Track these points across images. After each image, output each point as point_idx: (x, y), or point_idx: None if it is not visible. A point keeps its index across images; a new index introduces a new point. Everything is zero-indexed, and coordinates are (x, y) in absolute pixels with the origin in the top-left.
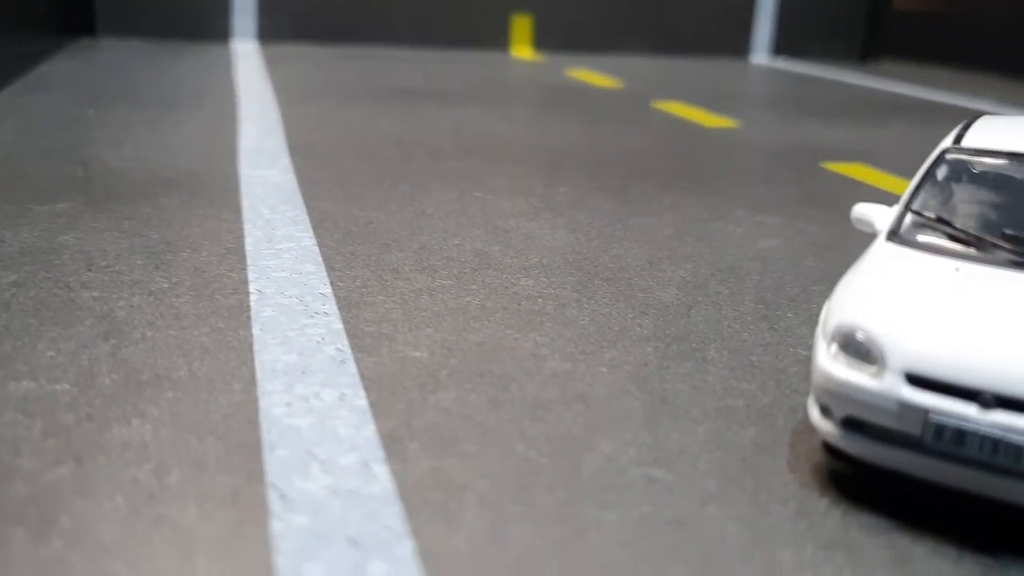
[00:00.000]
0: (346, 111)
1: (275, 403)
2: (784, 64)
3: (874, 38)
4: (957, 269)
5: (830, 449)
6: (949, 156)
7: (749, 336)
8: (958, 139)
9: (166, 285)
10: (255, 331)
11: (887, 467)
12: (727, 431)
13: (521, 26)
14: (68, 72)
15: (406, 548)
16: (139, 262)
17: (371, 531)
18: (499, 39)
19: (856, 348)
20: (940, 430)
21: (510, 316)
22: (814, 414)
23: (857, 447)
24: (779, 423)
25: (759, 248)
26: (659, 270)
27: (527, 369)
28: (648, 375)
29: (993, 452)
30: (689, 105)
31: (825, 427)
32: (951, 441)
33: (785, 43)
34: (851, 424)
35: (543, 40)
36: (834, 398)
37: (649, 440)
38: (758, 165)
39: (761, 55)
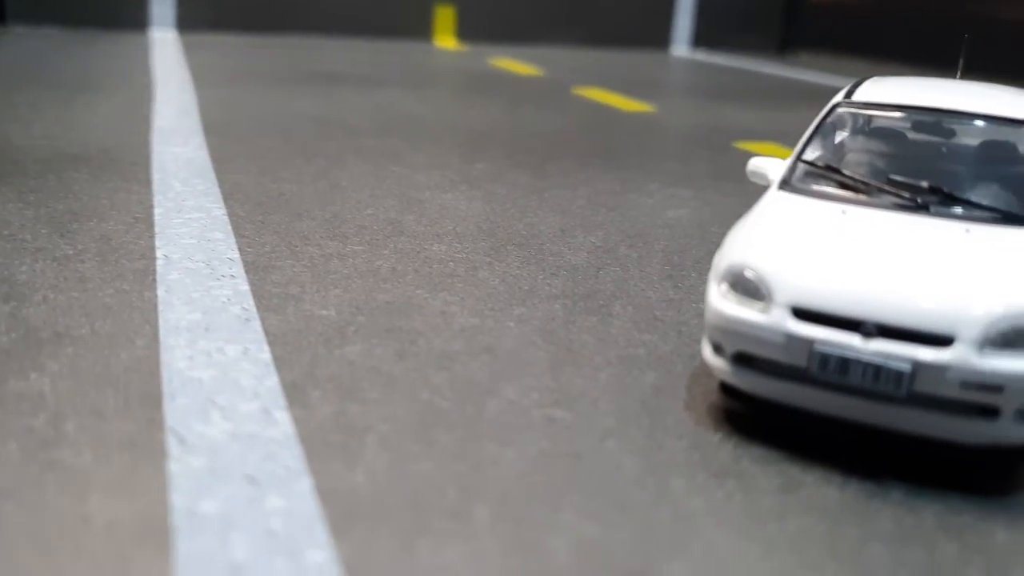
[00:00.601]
0: (265, 94)
1: (177, 357)
2: (704, 56)
3: (791, 30)
4: (844, 212)
5: (725, 389)
6: (840, 110)
7: (654, 294)
8: (849, 94)
9: (71, 252)
10: (160, 292)
11: (777, 400)
12: (628, 376)
13: (444, 16)
14: None
15: (304, 485)
16: (43, 231)
17: (269, 470)
18: (423, 29)
19: (745, 286)
20: (825, 360)
21: (420, 278)
22: (707, 353)
23: (748, 382)
24: (678, 369)
25: (668, 217)
26: (571, 236)
27: (435, 325)
28: (555, 328)
29: (875, 379)
30: (608, 91)
31: (718, 364)
32: (836, 370)
33: (705, 36)
34: (742, 359)
35: (467, 31)
36: (725, 335)
37: (552, 385)
38: (672, 145)
39: (681, 47)
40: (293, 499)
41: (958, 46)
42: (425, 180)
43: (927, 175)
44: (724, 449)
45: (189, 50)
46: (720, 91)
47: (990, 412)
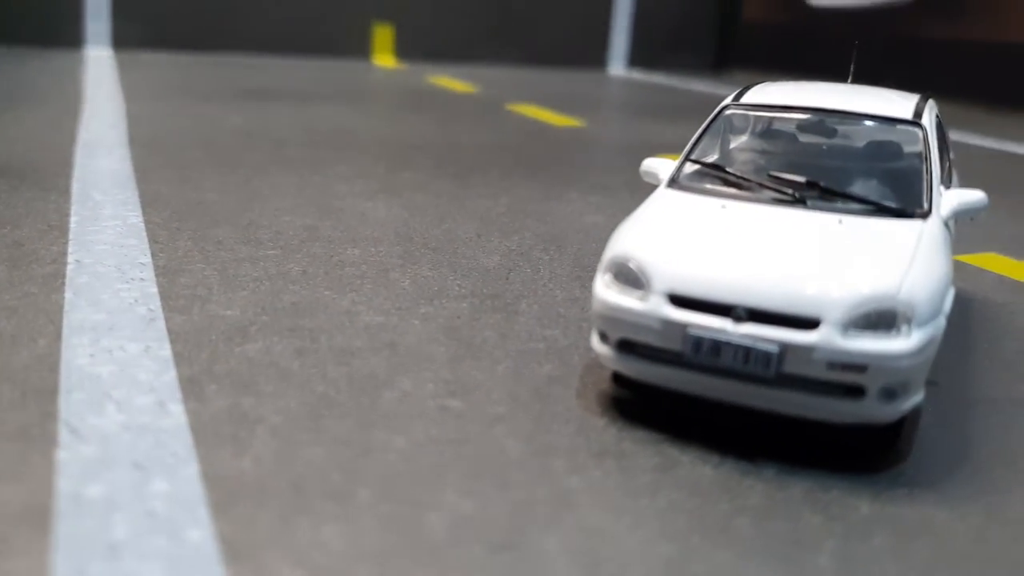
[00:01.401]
0: (194, 109)
1: (78, 355)
2: (640, 74)
3: (726, 50)
4: (724, 206)
5: (617, 378)
6: (728, 112)
7: (561, 293)
8: (737, 97)
9: None
10: (68, 295)
11: (657, 384)
12: (525, 368)
13: (382, 35)
14: None
15: (190, 470)
16: None
17: (157, 457)
18: (362, 48)
19: (626, 275)
20: (698, 343)
21: (331, 280)
22: (595, 342)
23: (631, 367)
24: (574, 361)
25: (585, 222)
26: (487, 241)
27: (339, 323)
28: (459, 326)
29: (745, 361)
30: (541, 107)
31: (603, 351)
32: (708, 353)
33: (641, 55)
34: (624, 346)
35: (405, 50)
36: (609, 323)
37: (449, 377)
38: (597, 157)
39: (618, 66)
40: (178, 483)
41: (889, 64)
42: (347, 189)
43: (806, 171)
44: (608, 433)
45: (123, 67)
46: (651, 108)
47: (856, 392)
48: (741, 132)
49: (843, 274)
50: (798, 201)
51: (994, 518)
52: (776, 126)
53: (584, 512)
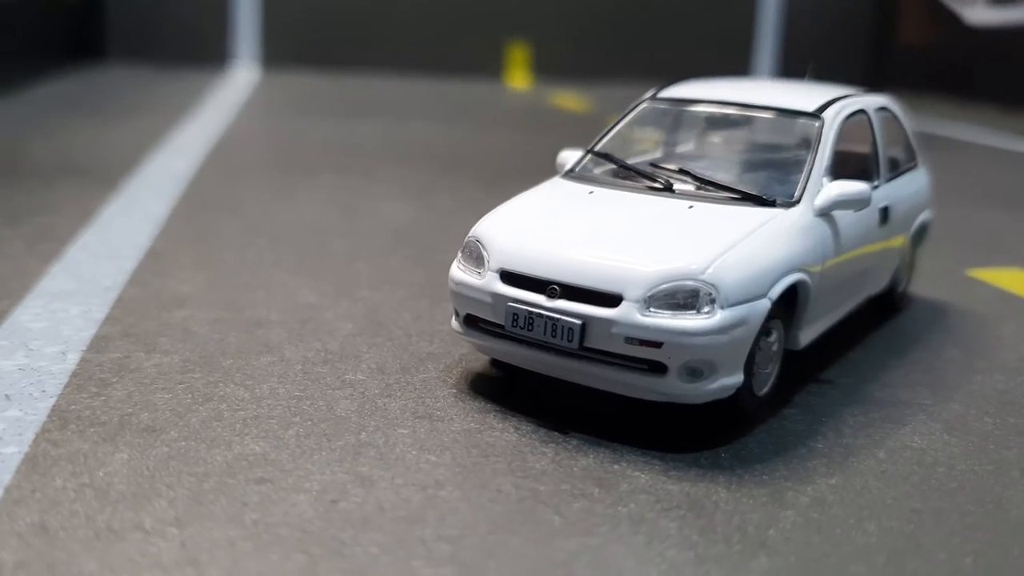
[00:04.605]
0: (295, 122)
1: (26, 313)
2: None
3: (878, 71)
4: (591, 192)
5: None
6: (643, 105)
7: None
8: (657, 92)
9: (7, 235)
10: (55, 268)
11: (494, 356)
12: (412, 346)
13: (518, 55)
14: (57, 92)
15: (46, 404)
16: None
17: (26, 392)
18: (496, 68)
19: (472, 254)
20: (516, 317)
21: (296, 266)
22: (453, 319)
23: (476, 342)
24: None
25: None
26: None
27: (272, 300)
28: (383, 308)
29: (553, 334)
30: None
31: (456, 327)
32: (524, 326)
33: (789, 71)
34: (470, 321)
35: (543, 68)
36: (457, 299)
37: (335, 349)
38: None
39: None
40: (28, 412)
41: None
42: (379, 191)
43: (706, 161)
44: (444, 400)
45: (258, 85)
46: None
47: (659, 368)
48: (650, 123)
49: (652, 255)
50: (665, 188)
51: (762, 507)
52: (684, 118)
53: (370, 461)
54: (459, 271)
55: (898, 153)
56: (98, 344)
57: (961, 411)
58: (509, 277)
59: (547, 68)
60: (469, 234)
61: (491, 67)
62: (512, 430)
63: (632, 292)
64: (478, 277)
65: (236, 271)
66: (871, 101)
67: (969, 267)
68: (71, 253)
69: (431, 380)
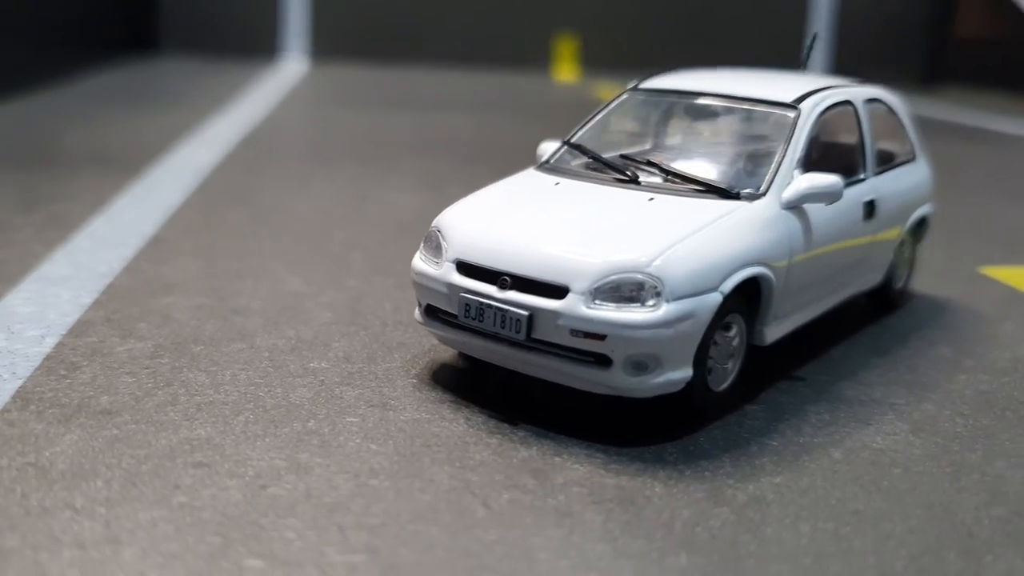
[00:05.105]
0: (329, 113)
1: (18, 297)
2: None
3: (936, 64)
4: (557, 184)
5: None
6: (623, 96)
7: None
8: (638, 84)
9: (20, 223)
10: (57, 254)
11: (451, 346)
12: (384, 335)
13: (566, 47)
14: (106, 84)
15: (13, 385)
16: (16, 209)
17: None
18: (544, 60)
19: (432, 244)
20: (468, 307)
21: (289, 255)
22: (416, 310)
23: (435, 331)
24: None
25: None
26: None
27: (258, 289)
28: (366, 298)
29: (502, 325)
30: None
31: (418, 318)
32: (475, 317)
33: (844, 66)
34: (430, 311)
35: (591, 60)
36: (419, 289)
37: (308, 337)
38: None
39: None
40: None
41: None
42: (394, 182)
43: (682, 152)
44: (402, 389)
45: (305, 78)
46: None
47: (604, 361)
48: (628, 115)
49: (600, 248)
50: (631, 180)
51: (696, 503)
52: (670, 110)
53: (311, 448)
54: (420, 261)
55: (892, 145)
56: (78, 328)
57: (934, 411)
58: (464, 267)
59: (595, 61)
60: (431, 226)
61: (539, 60)
62: (462, 421)
63: (578, 284)
64: (436, 267)
65: (231, 260)
66: (860, 92)
67: (982, 264)
68: (77, 240)
69: (394, 370)
